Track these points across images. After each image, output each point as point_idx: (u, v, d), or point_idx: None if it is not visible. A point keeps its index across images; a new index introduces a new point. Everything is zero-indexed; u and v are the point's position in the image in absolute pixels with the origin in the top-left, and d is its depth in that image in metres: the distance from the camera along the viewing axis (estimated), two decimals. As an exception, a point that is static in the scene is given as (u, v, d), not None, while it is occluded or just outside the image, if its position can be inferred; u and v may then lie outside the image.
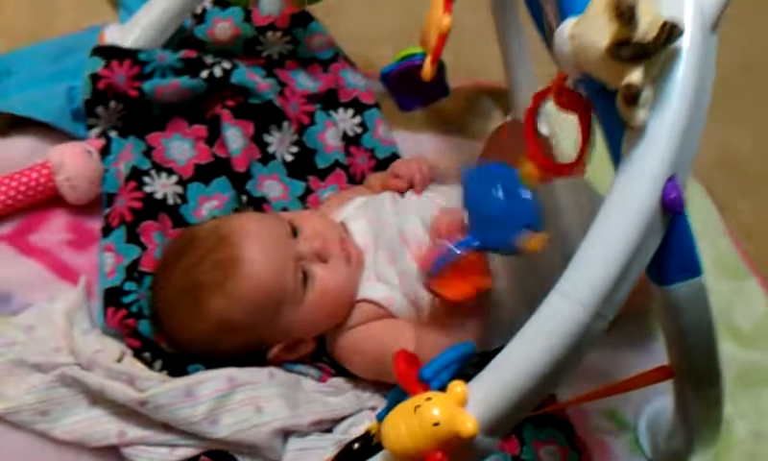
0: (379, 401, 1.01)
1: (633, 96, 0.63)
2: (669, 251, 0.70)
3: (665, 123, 0.66)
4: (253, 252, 0.96)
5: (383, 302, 1.00)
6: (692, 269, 0.73)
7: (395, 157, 1.28)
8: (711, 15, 0.68)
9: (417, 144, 1.34)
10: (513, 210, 0.85)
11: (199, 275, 0.96)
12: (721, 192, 1.39)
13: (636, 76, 0.63)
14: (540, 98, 0.83)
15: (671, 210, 0.67)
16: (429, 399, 0.69)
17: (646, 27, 0.62)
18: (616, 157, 0.70)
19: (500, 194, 0.86)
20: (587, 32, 0.64)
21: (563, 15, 0.70)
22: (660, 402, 1.08)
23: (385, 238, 1.02)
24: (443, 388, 0.72)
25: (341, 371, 1.04)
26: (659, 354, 1.16)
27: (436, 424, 0.68)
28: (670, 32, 0.62)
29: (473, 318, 0.97)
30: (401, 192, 1.10)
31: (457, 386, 0.70)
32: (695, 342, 0.78)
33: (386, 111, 1.31)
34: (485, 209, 0.88)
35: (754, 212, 1.41)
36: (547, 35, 0.82)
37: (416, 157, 1.16)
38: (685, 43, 0.66)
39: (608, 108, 0.68)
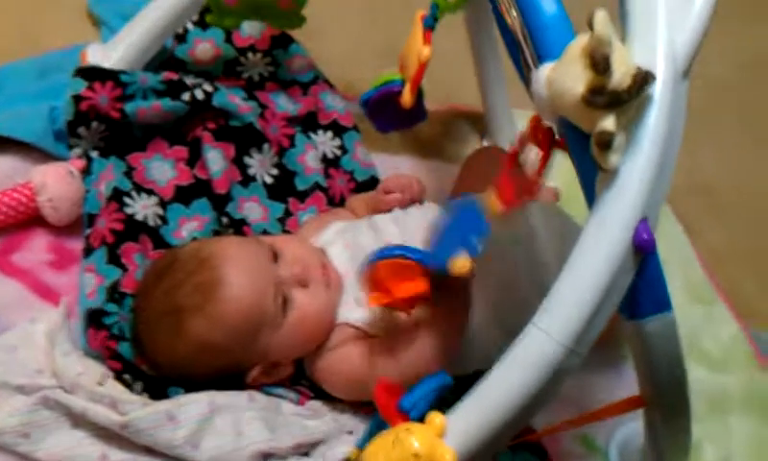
0: (357, 425, 1.03)
1: (606, 142, 0.65)
2: (640, 287, 0.73)
3: (637, 167, 0.68)
4: (234, 275, 0.97)
5: (362, 325, 1.02)
6: (662, 304, 0.75)
7: (373, 179, 1.29)
8: (683, 61, 0.71)
9: (394, 166, 1.35)
10: (461, 236, 0.87)
11: (179, 298, 0.97)
12: (691, 217, 1.42)
13: (609, 122, 0.65)
14: (521, 145, 0.85)
15: (642, 251, 0.69)
16: (408, 429, 0.71)
17: (620, 76, 0.64)
18: (590, 196, 0.72)
19: (451, 221, 0.89)
20: (562, 78, 0.67)
21: (540, 59, 0.72)
22: (631, 427, 1.09)
23: (363, 263, 1.04)
24: (421, 418, 0.74)
25: (319, 394, 1.06)
26: (629, 377, 1.19)
27: (416, 456, 0.69)
28: (644, 80, 0.65)
29: (429, 335, 0.99)
30: (401, 206, 1.12)
31: (436, 417, 0.72)
32: (665, 374, 0.81)
33: (365, 134, 1.33)
34: (440, 232, 0.90)
35: (724, 237, 1.44)
36: (525, 74, 0.84)
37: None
38: (657, 89, 0.68)
39: (582, 149, 0.70)
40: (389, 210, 1.12)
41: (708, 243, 1.43)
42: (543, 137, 0.77)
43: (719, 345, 1.31)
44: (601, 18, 0.63)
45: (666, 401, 0.85)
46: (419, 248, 0.90)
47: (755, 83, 1.69)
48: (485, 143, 1.43)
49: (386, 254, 0.90)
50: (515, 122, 1.40)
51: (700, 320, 1.32)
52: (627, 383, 1.17)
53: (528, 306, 1.04)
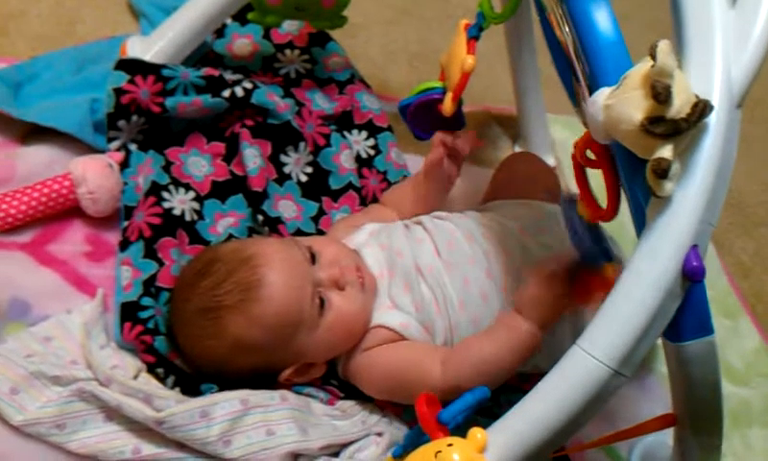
0: (385, 427, 1.03)
1: (663, 170, 0.66)
2: (685, 311, 0.73)
3: (690, 195, 0.69)
4: (274, 276, 0.98)
5: (399, 328, 1.02)
6: (706, 329, 0.75)
7: (405, 180, 1.30)
8: (739, 92, 0.71)
9: (427, 169, 1.36)
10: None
11: (219, 295, 0.98)
12: (719, 230, 1.43)
13: (667, 151, 0.65)
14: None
15: (691, 278, 0.70)
16: (450, 444, 0.72)
17: (680, 105, 0.65)
18: (639, 221, 0.73)
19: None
20: (621, 105, 0.67)
21: (595, 82, 0.72)
22: (652, 439, 1.10)
23: (400, 266, 1.05)
24: (459, 429, 0.75)
25: (349, 394, 1.06)
26: (654, 391, 1.20)
27: (456, 470, 0.70)
28: (703, 110, 0.65)
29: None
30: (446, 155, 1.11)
31: (477, 433, 0.72)
32: (702, 395, 0.81)
33: (398, 135, 1.34)
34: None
35: (751, 251, 1.45)
36: (574, 89, 0.84)
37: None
38: (713, 119, 0.69)
39: (634, 174, 0.71)
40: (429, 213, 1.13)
41: (736, 256, 1.44)
42: (597, 159, 0.77)
43: (743, 358, 1.32)
44: (664, 48, 0.63)
45: (700, 421, 0.86)
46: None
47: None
48: (517, 148, 1.44)
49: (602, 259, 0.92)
50: (548, 128, 1.40)
51: (725, 333, 1.33)
52: (652, 396, 1.19)
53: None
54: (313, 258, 1.02)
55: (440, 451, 0.71)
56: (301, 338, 1.00)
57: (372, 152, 1.32)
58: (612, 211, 0.79)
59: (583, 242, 0.92)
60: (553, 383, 0.72)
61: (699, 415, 0.85)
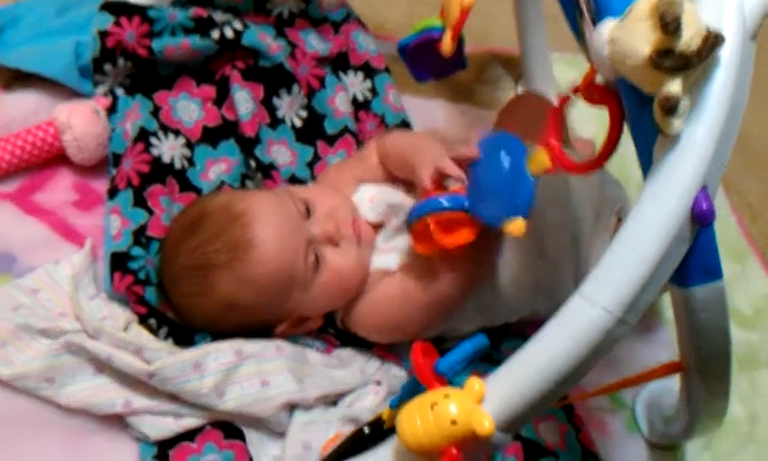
0: (384, 376, 1.01)
1: (671, 106, 0.62)
2: (693, 256, 0.70)
3: (700, 133, 0.65)
4: (265, 235, 0.94)
5: (393, 268, 1.00)
6: (714, 273, 0.72)
7: (404, 123, 1.26)
8: (753, 22, 0.67)
9: (426, 111, 1.33)
10: (512, 192, 0.83)
11: (208, 254, 0.95)
12: (728, 170, 1.39)
13: (675, 86, 0.62)
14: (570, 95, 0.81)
15: (700, 222, 0.66)
16: (447, 396, 0.69)
17: (689, 38, 0.60)
18: (646, 161, 0.69)
19: (506, 172, 0.85)
20: (627, 37, 0.63)
21: (600, 13, 0.68)
22: (658, 386, 1.09)
23: (398, 212, 1.01)
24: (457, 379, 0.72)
25: (345, 342, 1.04)
26: (661, 338, 1.18)
27: (453, 422, 0.68)
28: (714, 42, 0.61)
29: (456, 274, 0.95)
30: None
31: (475, 384, 0.70)
32: (710, 342, 0.78)
33: (396, 77, 1.30)
34: (488, 179, 0.86)
35: (760, 193, 1.41)
36: (579, 29, 0.80)
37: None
38: (725, 52, 0.64)
39: (641, 112, 0.67)
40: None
41: (744, 196, 1.40)
42: (601, 96, 0.73)
43: (750, 302, 1.29)
44: (673, -25, 0.59)
45: (708, 368, 0.83)
46: (462, 197, 0.87)
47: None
48: (519, 88, 1.40)
49: (435, 207, 0.87)
50: (552, 66, 1.36)
51: (733, 276, 1.30)
52: (658, 343, 1.17)
53: (561, 263, 1.03)
54: (308, 212, 0.99)
55: (436, 403, 0.69)
56: (296, 295, 0.97)
57: (368, 94, 1.28)
58: (603, 160, 0.75)
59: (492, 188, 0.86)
60: (554, 331, 0.69)
61: (706, 362, 0.82)
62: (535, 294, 1.04)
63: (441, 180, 0.92)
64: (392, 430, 0.78)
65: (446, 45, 0.98)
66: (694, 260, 0.70)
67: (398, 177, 1.04)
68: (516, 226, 0.81)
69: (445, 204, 0.87)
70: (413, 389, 0.76)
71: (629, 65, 0.63)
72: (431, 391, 0.71)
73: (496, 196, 0.84)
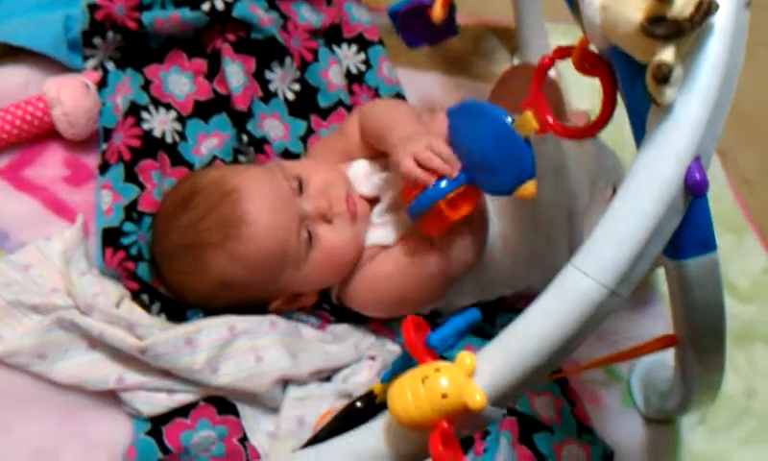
0: (378, 351, 1.01)
1: (664, 75, 0.61)
2: (686, 227, 0.69)
3: (693, 102, 0.64)
4: (257, 212, 0.93)
5: (388, 243, 0.99)
6: (708, 245, 0.71)
7: (398, 96, 1.25)
8: (747, -11, 0.65)
9: (421, 83, 1.32)
10: (513, 160, 0.82)
11: (200, 232, 0.94)
12: (724, 142, 1.37)
13: (668, 54, 0.60)
14: (556, 57, 0.80)
15: (694, 192, 0.65)
16: (438, 369, 0.69)
17: (682, 4, 0.59)
18: (638, 131, 0.68)
19: (494, 142, 0.83)
20: (619, 4, 0.62)
21: (592, -19, 0.67)
22: (653, 359, 1.08)
23: (393, 188, 1.00)
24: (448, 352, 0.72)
25: (340, 318, 1.04)
26: (656, 311, 1.17)
27: (444, 396, 0.67)
28: (707, 9, 0.60)
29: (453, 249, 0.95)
30: None
31: (466, 357, 0.69)
32: (704, 314, 0.77)
33: (390, 49, 1.28)
34: (480, 151, 0.85)
35: (757, 165, 1.40)
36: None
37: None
38: (719, 19, 0.63)
39: (633, 81, 0.66)
40: None
41: (741, 170, 1.39)
42: (593, 66, 0.72)
43: (747, 276, 1.29)
44: (665, -60, 0.58)
45: (702, 341, 0.83)
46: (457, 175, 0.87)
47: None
48: (515, 61, 1.39)
49: (439, 194, 0.86)
50: (547, 37, 1.34)
51: (729, 249, 1.29)
52: (652, 316, 1.17)
53: (556, 236, 1.03)
54: (300, 187, 0.98)
55: (427, 377, 0.68)
56: (289, 273, 0.96)
57: (362, 67, 1.26)
58: (597, 129, 0.74)
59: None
60: (546, 304, 0.68)
61: (701, 335, 0.81)
62: (530, 266, 1.03)
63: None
64: (384, 405, 0.77)
65: (437, 11, 0.98)
66: (688, 232, 0.69)
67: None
68: (528, 189, 0.81)
69: (448, 186, 0.87)
70: (405, 363, 0.75)
71: (621, 33, 0.62)
72: (422, 365, 0.70)
73: (497, 168, 0.83)
